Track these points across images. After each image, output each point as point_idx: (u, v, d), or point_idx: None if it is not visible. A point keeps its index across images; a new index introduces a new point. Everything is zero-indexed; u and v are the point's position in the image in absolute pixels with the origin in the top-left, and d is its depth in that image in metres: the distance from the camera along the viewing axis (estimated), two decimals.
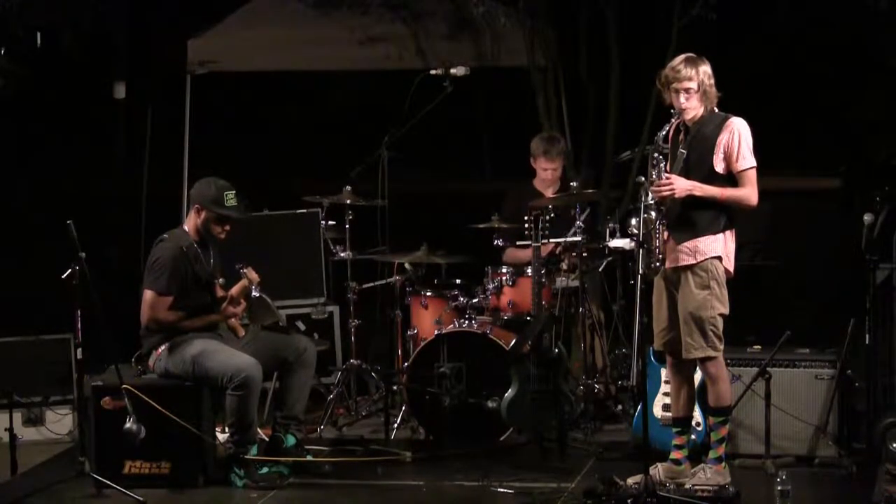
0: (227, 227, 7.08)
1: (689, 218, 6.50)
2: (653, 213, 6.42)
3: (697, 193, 6.46)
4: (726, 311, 6.55)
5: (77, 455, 6.96)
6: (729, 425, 6.73)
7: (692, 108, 6.49)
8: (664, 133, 6.48)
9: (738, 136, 6.45)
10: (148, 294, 6.96)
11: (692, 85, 6.45)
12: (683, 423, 6.78)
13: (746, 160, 6.46)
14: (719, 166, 6.49)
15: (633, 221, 6.41)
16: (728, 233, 6.55)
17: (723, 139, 6.47)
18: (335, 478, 7.02)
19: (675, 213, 6.51)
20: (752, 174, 6.47)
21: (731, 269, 6.58)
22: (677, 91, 6.47)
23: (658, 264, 6.46)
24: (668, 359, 6.76)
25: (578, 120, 9.34)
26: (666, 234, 6.50)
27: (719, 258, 6.51)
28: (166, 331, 6.98)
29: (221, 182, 7.06)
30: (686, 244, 6.51)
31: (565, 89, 9.30)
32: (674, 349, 6.67)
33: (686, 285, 6.52)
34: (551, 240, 7.80)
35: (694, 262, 6.50)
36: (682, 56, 6.54)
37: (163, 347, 6.99)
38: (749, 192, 6.47)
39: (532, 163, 8.31)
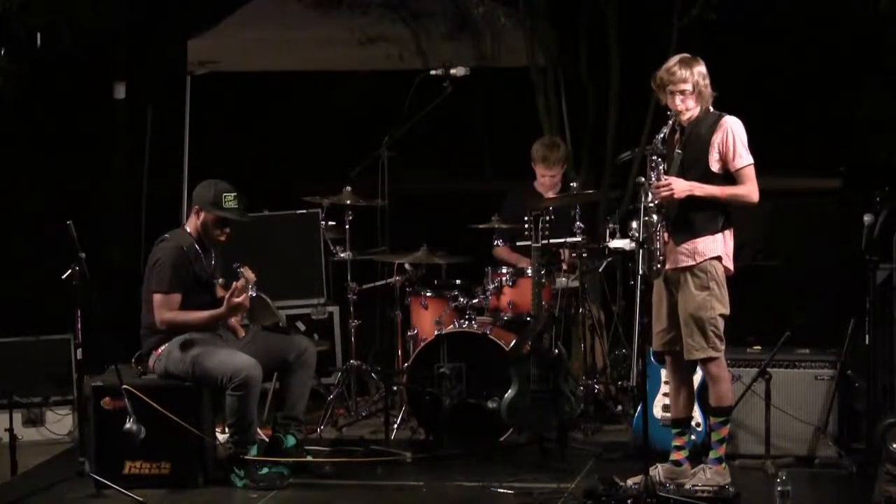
0: (227, 231, 7.08)
1: (688, 219, 6.50)
2: (654, 217, 6.42)
3: (697, 193, 6.45)
4: (727, 311, 6.55)
5: (77, 455, 6.96)
6: (729, 426, 6.73)
7: (688, 109, 6.49)
8: (662, 135, 6.48)
9: (731, 135, 6.45)
10: (156, 297, 6.94)
11: (687, 87, 6.45)
12: (682, 423, 6.78)
13: (743, 158, 6.46)
14: (715, 166, 6.48)
15: (634, 224, 6.41)
16: (727, 232, 6.55)
17: (716, 139, 6.47)
18: (335, 478, 7.02)
19: (673, 215, 6.51)
20: (751, 171, 6.47)
21: (731, 267, 6.58)
22: (673, 93, 6.47)
23: (660, 266, 6.46)
24: (666, 359, 6.76)
25: (578, 120, 9.33)
26: (667, 235, 6.50)
27: (719, 258, 6.51)
28: (177, 331, 6.97)
29: (223, 184, 7.06)
30: (685, 245, 6.51)
31: (565, 89, 9.30)
32: (672, 350, 6.67)
33: (685, 286, 6.52)
34: (551, 241, 7.80)
35: (693, 263, 6.49)
36: (677, 57, 6.53)
37: (163, 348, 6.99)
38: (749, 189, 6.47)
39: (532, 166, 8.31)
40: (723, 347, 6.56)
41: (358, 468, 7.15)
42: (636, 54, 8.93)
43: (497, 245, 8.15)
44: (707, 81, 6.50)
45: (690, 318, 6.50)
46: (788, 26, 9.09)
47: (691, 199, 6.47)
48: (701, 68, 6.49)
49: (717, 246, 6.51)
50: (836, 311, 7.71)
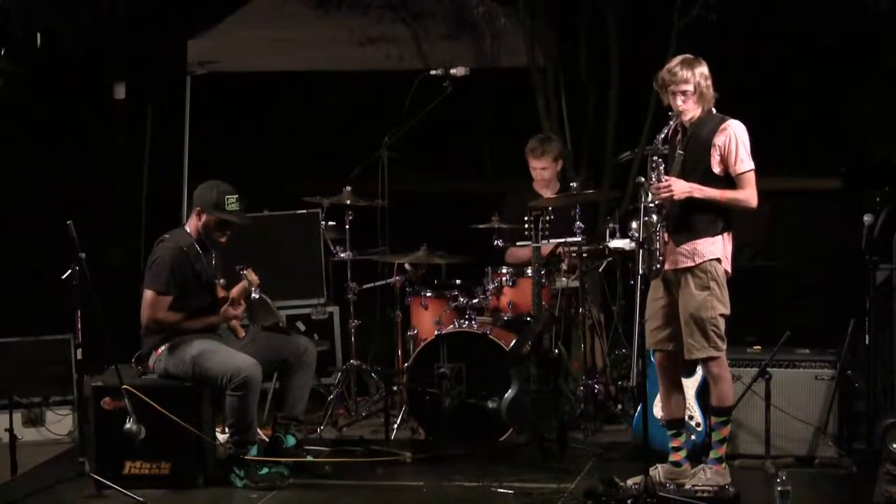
0: (228, 232, 7.08)
1: (688, 220, 6.50)
2: (654, 216, 6.42)
3: (697, 195, 6.45)
4: (727, 311, 6.55)
5: (77, 455, 6.96)
6: (730, 426, 6.73)
7: (689, 109, 6.48)
8: (663, 135, 6.48)
9: (734, 139, 6.44)
10: (148, 294, 6.96)
11: (688, 87, 6.45)
12: (676, 424, 6.78)
13: (744, 163, 6.45)
14: (717, 168, 6.48)
15: (634, 224, 6.42)
16: (726, 235, 6.55)
17: (718, 141, 6.46)
18: (335, 478, 7.02)
19: (673, 216, 6.51)
20: (751, 176, 6.46)
21: (729, 270, 6.58)
22: (674, 93, 6.47)
23: (659, 266, 6.46)
24: (657, 358, 6.74)
25: (578, 120, 9.34)
26: (666, 235, 6.49)
27: (718, 260, 6.51)
28: (166, 331, 6.98)
29: (224, 186, 7.05)
30: (685, 246, 6.50)
31: (565, 89, 9.30)
32: (665, 349, 6.66)
33: (686, 287, 6.51)
34: (552, 241, 7.80)
35: (693, 264, 6.49)
36: (679, 58, 6.53)
37: (163, 348, 6.99)
38: (748, 194, 6.46)
39: (527, 162, 8.31)
40: (724, 347, 6.56)
41: (358, 468, 7.15)
42: (636, 54, 8.93)
43: (497, 244, 8.10)
44: (709, 83, 6.49)
45: (691, 318, 6.49)
46: (788, 26, 9.08)
47: (692, 201, 6.46)
48: (703, 69, 6.49)
49: (717, 248, 6.50)
50: (836, 311, 7.71)
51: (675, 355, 6.67)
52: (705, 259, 6.48)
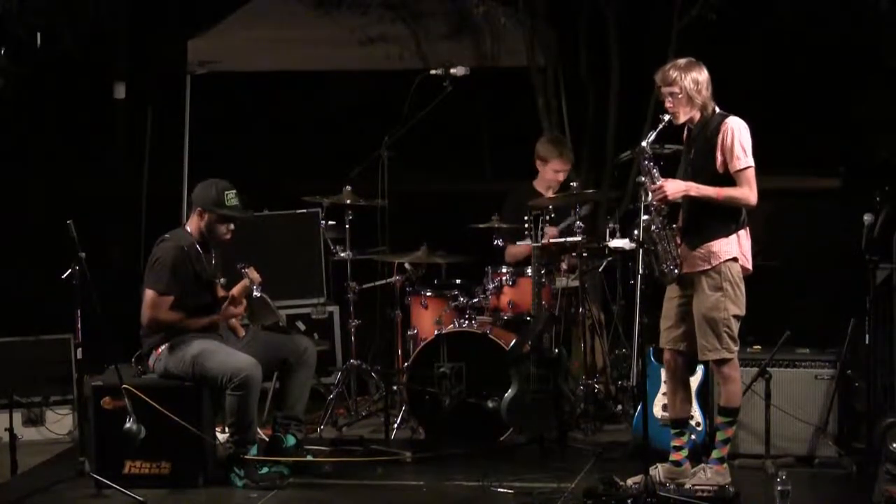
0: (232, 228, 7.08)
1: (700, 223, 6.47)
2: (645, 217, 6.40)
3: (693, 193, 6.44)
4: (741, 311, 6.51)
5: (77, 455, 6.96)
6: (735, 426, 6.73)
7: (679, 112, 6.47)
8: (652, 137, 6.46)
9: (731, 136, 6.41)
10: (149, 294, 6.95)
11: (674, 89, 6.43)
12: (680, 423, 6.77)
13: (741, 160, 6.42)
14: (722, 168, 6.45)
15: (635, 232, 6.42)
16: (742, 232, 6.51)
17: (720, 140, 6.45)
18: (335, 478, 7.02)
19: (684, 219, 6.50)
20: (749, 174, 6.43)
21: (749, 266, 6.53)
22: (664, 94, 6.48)
23: (676, 271, 6.44)
24: (666, 356, 6.72)
25: (578, 120, 9.34)
26: (678, 238, 6.48)
27: (734, 259, 6.49)
28: (166, 331, 6.98)
29: (222, 183, 7.05)
30: (700, 249, 6.47)
31: (565, 89, 9.31)
32: (675, 348, 6.65)
33: (700, 288, 6.49)
34: (552, 240, 7.81)
35: (709, 266, 6.46)
36: (676, 60, 6.52)
37: (163, 347, 6.99)
38: (746, 192, 6.42)
39: (538, 165, 8.27)
40: (736, 349, 6.54)
41: (358, 468, 7.15)
42: (636, 54, 8.94)
43: (497, 244, 8.10)
44: (700, 87, 6.44)
45: (703, 319, 6.47)
46: (788, 26, 9.08)
47: (702, 203, 6.44)
48: (696, 75, 6.44)
49: (732, 248, 6.48)
50: (836, 311, 7.70)
51: (685, 355, 6.66)
52: (721, 260, 6.45)
